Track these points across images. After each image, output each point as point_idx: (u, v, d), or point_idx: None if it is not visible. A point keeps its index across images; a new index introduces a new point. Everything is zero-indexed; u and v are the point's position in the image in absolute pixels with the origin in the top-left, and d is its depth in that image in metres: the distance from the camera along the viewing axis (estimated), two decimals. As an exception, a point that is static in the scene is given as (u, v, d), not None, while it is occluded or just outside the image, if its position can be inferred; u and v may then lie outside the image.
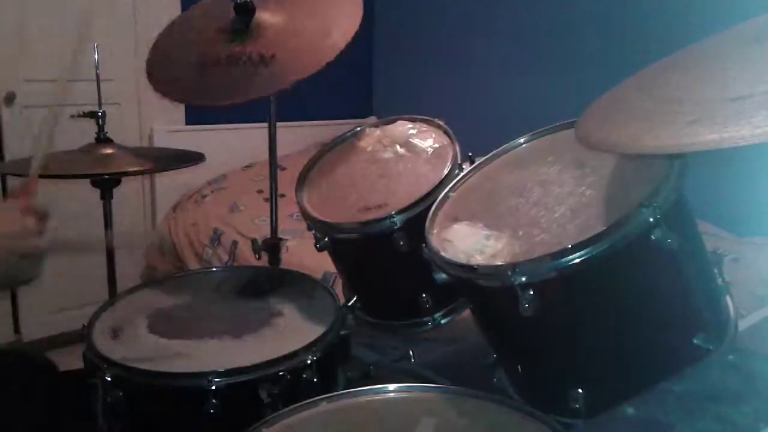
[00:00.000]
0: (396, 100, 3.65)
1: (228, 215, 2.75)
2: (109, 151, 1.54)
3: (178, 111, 3.05)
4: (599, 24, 2.70)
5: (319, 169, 1.35)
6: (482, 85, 3.19)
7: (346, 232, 1.18)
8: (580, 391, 0.86)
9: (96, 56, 1.60)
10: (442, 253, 0.92)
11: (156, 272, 2.90)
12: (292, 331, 1.13)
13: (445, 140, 1.26)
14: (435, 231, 1.00)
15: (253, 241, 1.60)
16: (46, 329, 2.74)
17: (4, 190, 2.61)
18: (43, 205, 1.04)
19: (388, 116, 1.39)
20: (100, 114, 1.59)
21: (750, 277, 1.90)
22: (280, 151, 1.66)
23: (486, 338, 1.01)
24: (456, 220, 1.01)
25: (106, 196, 1.62)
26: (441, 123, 1.31)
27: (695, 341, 0.85)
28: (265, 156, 1.63)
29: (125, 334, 1.14)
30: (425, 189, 1.13)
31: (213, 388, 0.98)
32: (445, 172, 1.15)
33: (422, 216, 1.04)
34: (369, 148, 1.33)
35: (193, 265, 2.68)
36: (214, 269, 1.57)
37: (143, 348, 1.10)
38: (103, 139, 1.58)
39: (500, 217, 0.97)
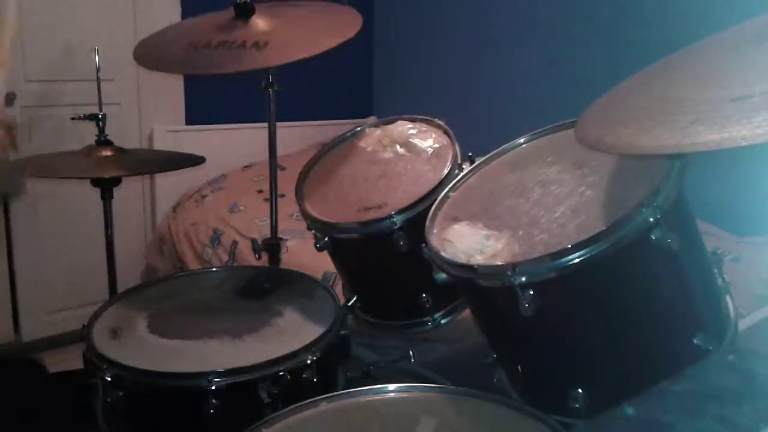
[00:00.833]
0: (396, 100, 3.65)
1: (228, 215, 2.75)
2: (109, 153, 1.54)
3: (178, 111, 3.06)
4: (599, 24, 2.70)
5: (319, 169, 1.35)
6: (482, 85, 3.19)
7: (346, 232, 1.18)
8: (580, 391, 0.86)
9: (96, 58, 1.60)
10: (442, 253, 0.92)
11: (156, 272, 2.90)
12: (292, 331, 1.13)
13: (445, 140, 1.26)
14: (435, 231, 1.00)
15: (253, 241, 1.60)
16: (46, 329, 2.74)
17: (4, 190, 2.61)
18: (9, 118, 1.03)
19: (388, 116, 1.39)
20: (100, 116, 1.59)
21: (750, 277, 1.90)
22: (280, 151, 1.66)
23: (486, 338, 1.01)
24: (456, 220, 1.01)
25: (106, 196, 1.62)
26: (441, 123, 1.31)
27: (695, 341, 0.85)
28: (265, 156, 1.63)
29: (125, 334, 1.14)
30: (425, 189, 1.13)
31: (213, 388, 0.98)
32: (445, 172, 1.15)
33: (422, 216, 1.04)
34: (369, 148, 1.33)
35: (193, 265, 2.68)
36: (214, 269, 1.57)
37: (143, 348, 1.10)
38: (103, 142, 1.58)
39: (500, 217, 0.97)
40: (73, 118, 1.62)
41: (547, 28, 2.90)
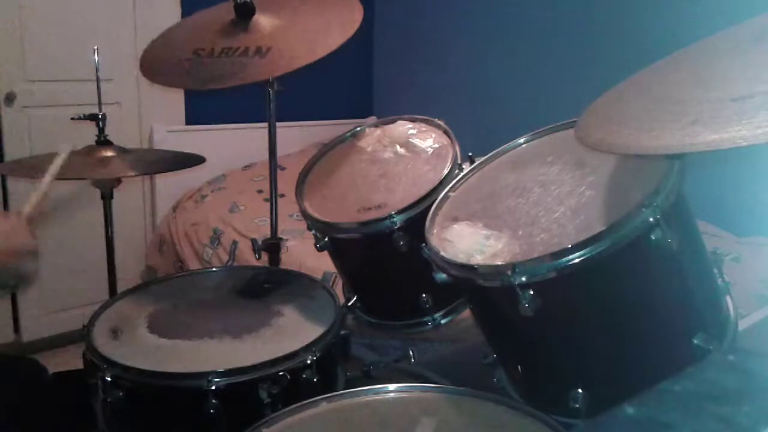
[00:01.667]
0: (396, 100, 3.65)
1: (228, 215, 2.75)
2: (109, 153, 1.54)
3: (178, 111, 3.06)
4: (599, 24, 2.71)
5: (319, 169, 1.35)
6: (482, 85, 3.19)
7: (346, 232, 1.18)
8: (580, 391, 0.86)
9: (96, 58, 1.60)
10: (442, 253, 0.92)
11: (156, 272, 2.90)
12: (292, 331, 1.13)
13: (445, 140, 1.26)
14: (435, 231, 1.00)
15: (253, 241, 1.60)
16: (46, 329, 2.74)
17: (4, 189, 2.61)
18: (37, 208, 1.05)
19: (388, 116, 1.39)
20: (100, 117, 1.59)
21: (750, 277, 1.90)
22: (280, 151, 1.66)
23: (486, 338, 1.01)
24: (456, 220, 1.01)
25: (107, 196, 1.62)
26: (441, 123, 1.30)
27: (695, 341, 0.85)
28: (265, 156, 1.63)
29: (125, 334, 1.14)
30: (425, 189, 1.13)
31: (213, 388, 0.98)
32: (445, 172, 1.15)
33: (422, 216, 1.04)
34: (369, 148, 1.33)
35: (193, 265, 2.68)
36: (214, 269, 1.57)
37: (143, 348, 1.10)
38: (103, 142, 1.58)
39: (500, 217, 0.97)
40: (73, 118, 1.62)
41: (547, 28, 2.90)
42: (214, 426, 0.99)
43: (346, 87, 3.66)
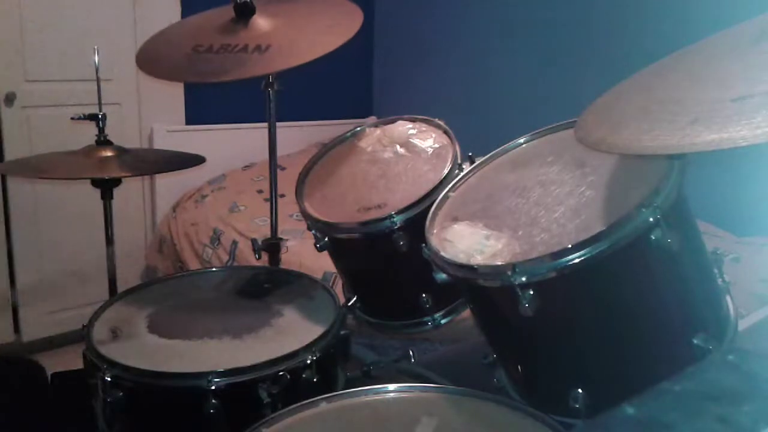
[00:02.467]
0: (396, 100, 3.65)
1: (228, 215, 2.75)
2: (109, 153, 1.54)
3: (178, 111, 3.06)
4: (599, 24, 2.71)
5: (319, 169, 1.35)
6: (482, 85, 3.19)
7: (346, 232, 1.18)
8: (580, 391, 0.86)
9: (96, 58, 1.60)
10: (442, 253, 0.92)
11: (156, 272, 2.90)
12: (292, 331, 1.13)
13: (445, 140, 1.26)
14: (435, 231, 1.00)
15: (253, 241, 1.60)
16: (46, 329, 2.74)
17: (5, 189, 2.61)
18: None
19: (388, 116, 1.39)
20: (100, 116, 1.59)
21: (750, 277, 1.90)
22: (280, 151, 1.66)
23: (486, 338, 1.01)
24: (456, 220, 1.01)
25: (107, 197, 1.62)
26: (441, 123, 1.30)
27: (695, 341, 0.85)
28: (265, 156, 1.63)
29: (125, 334, 1.14)
30: (425, 189, 1.13)
31: (213, 388, 0.98)
32: (445, 172, 1.15)
33: (422, 216, 1.04)
34: (369, 148, 1.33)
35: (193, 265, 2.68)
36: (214, 269, 1.57)
37: (143, 348, 1.10)
38: (103, 142, 1.58)
39: (500, 217, 0.97)
40: (73, 118, 1.62)
41: (547, 28, 2.90)
42: (214, 426, 0.99)
43: (346, 87, 3.66)
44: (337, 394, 0.94)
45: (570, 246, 0.80)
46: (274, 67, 1.34)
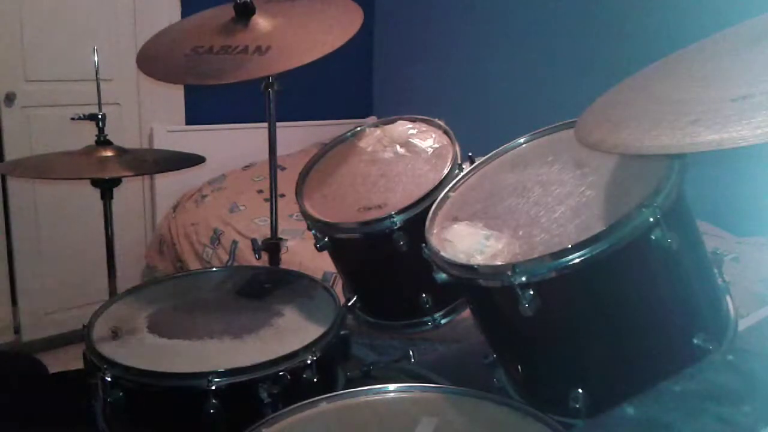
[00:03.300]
0: (396, 100, 3.65)
1: (228, 215, 2.75)
2: (109, 153, 1.54)
3: (178, 111, 3.06)
4: (600, 24, 2.71)
5: (319, 169, 1.35)
6: (482, 85, 3.19)
7: (346, 232, 1.18)
8: (580, 391, 0.86)
9: (96, 58, 1.60)
10: (442, 253, 0.92)
11: (156, 272, 2.90)
12: (292, 331, 1.13)
13: (445, 140, 1.26)
14: (435, 231, 1.00)
15: (253, 241, 1.60)
16: (46, 329, 2.74)
17: (5, 189, 2.61)
18: None
19: (388, 116, 1.39)
20: (100, 116, 1.59)
21: (750, 277, 1.90)
22: (280, 151, 1.66)
23: (486, 338, 1.01)
24: (456, 220, 1.01)
25: (106, 197, 1.62)
26: (441, 123, 1.31)
27: (695, 341, 0.85)
28: (265, 156, 1.63)
29: (125, 334, 1.14)
30: (425, 189, 1.13)
31: (213, 388, 0.98)
32: (445, 172, 1.15)
33: (422, 216, 1.04)
34: (369, 148, 1.33)
35: (193, 265, 2.68)
36: (214, 269, 1.57)
37: (143, 348, 1.10)
38: (103, 142, 1.58)
39: (500, 217, 0.97)
40: (73, 118, 1.62)
41: (547, 28, 2.90)
42: (214, 426, 0.99)
43: (346, 87, 3.66)
44: (337, 394, 0.94)
45: (570, 246, 0.80)
46: (274, 68, 1.34)
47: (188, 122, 3.09)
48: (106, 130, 1.60)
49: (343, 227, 1.18)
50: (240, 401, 1.01)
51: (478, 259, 0.90)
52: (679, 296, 0.89)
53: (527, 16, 2.97)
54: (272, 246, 1.61)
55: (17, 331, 2.73)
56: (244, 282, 1.35)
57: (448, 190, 1.09)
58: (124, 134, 2.73)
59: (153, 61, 1.44)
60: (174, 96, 3.03)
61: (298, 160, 2.50)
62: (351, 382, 1.15)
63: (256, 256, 1.59)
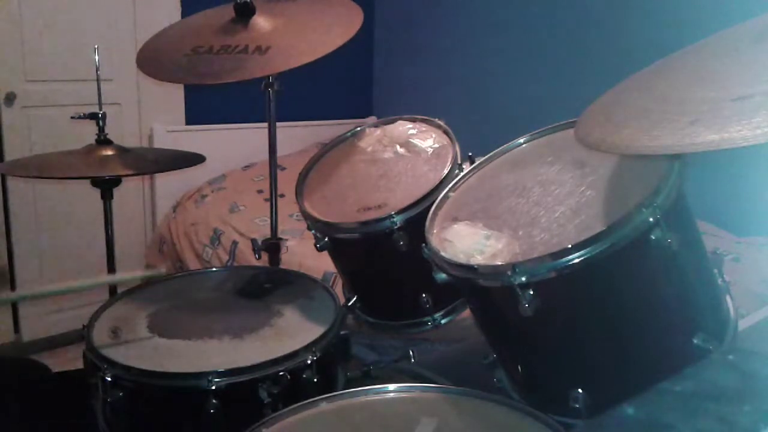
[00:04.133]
0: (396, 100, 3.65)
1: (228, 215, 2.75)
2: (109, 152, 1.54)
3: (178, 111, 3.06)
4: (599, 24, 2.71)
5: (319, 169, 1.35)
6: (482, 85, 3.19)
7: (346, 232, 1.18)
8: (580, 391, 0.86)
9: (96, 57, 1.60)
10: (442, 253, 0.92)
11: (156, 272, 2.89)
12: (292, 331, 1.13)
13: (445, 140, 1.26)
14: (435, 231, 1.00)
15: (253, 241, 1.60)
16: (46, 329, 2.74)
17: (5, 189, 2.61)
18: None
19: (388, 116, 1.39)
20: (100, 116, 1.59)
21: (750, 277, 1.90)
22: (280, 151, 1.66)
23: (486, 338, 1.01)
24: (456, 220, 1.01)
25: (107, 196, 1.62)
26: (441, 123, 1.31)
27: (695, 341, 0.85)
28: (265, 156, 1.63)
29: (125, 334, 1.14)
30: (425, 189, 1.13)
31: (213, 388, 0.98)
32: (445, 172, 1.15)
33: (422, 216, 1.04)
34: (369, 148, 1.33)
35: (193, 265, 2.68)
36: (214, 269, 1.57)
37: (143, 348, 1.10)
38: (103, 141, 1.58)
39: (500, 217, 0.97)
40: (73, 117, 1.62)
41: (547, 28, 2.90)
42: (214, 426, 0.99)
43: (346, 87, 3.66)
44: (337, 394, 0.94)
45: (570, 246, 0.80)
46: (274, 68, 1.34)
47: (188, 122, 3.08)
48: (106, 131, 1.60)
49: (343, 227, 1.18)
50: (240, 401, 1.01)
51: (478, 259, 0.90)
52: (679, 296, 0.89)
53: (527, 16, 2.97)
54: (272, 246, 1.61)
55: (17, 331, 2.73)
56: (244, 282, 1.35)
57: (448, 190, 1.09)
58: (124, 134, 2.73)
59: (153, 61, 1.44)
60: (174, 96, 3.02)
61: (298, 160, 2.50)
62: (351, 382, 1.15)
63: (256, 256, 1.59)
